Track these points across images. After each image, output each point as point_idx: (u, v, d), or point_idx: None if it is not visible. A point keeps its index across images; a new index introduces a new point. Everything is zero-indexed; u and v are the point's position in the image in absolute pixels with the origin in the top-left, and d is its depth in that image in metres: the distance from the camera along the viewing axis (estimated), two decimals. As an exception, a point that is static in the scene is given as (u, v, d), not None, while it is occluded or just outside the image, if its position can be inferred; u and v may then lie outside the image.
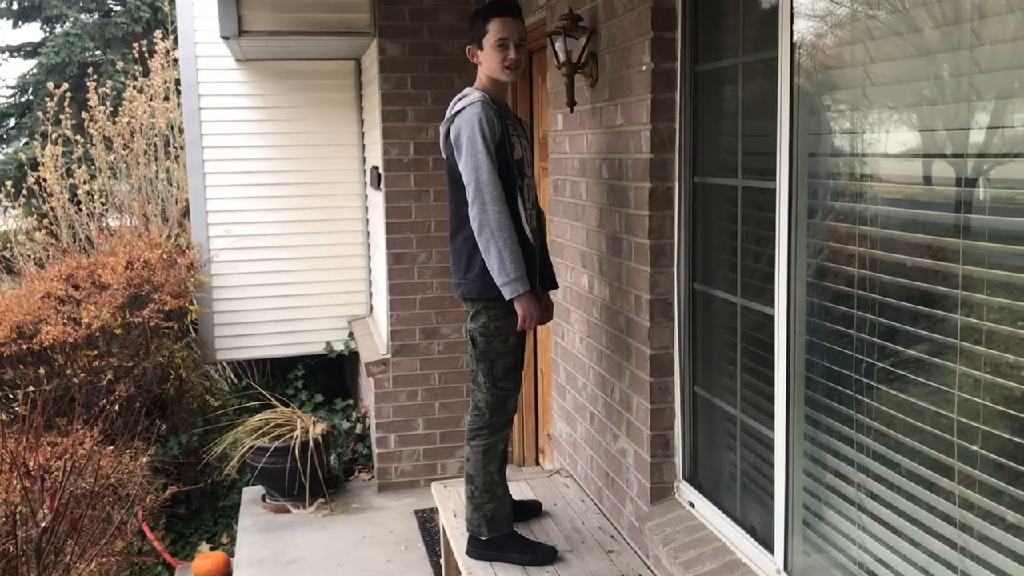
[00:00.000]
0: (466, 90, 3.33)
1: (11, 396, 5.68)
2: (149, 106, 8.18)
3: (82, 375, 5.52)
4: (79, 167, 8.12)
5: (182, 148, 7.47)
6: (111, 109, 8.33)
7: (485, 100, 3.22)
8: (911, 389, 2.11)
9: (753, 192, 2.78)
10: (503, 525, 3.41)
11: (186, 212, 7.46)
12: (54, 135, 8.44)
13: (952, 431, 1.95)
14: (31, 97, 14.87)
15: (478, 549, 3.41)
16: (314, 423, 5.52)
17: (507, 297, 3.15)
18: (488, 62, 3.28)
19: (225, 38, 5.51)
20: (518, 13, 3.32)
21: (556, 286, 3.65)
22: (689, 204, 3.15)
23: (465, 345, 5.51)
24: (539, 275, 3.40)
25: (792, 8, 2.47)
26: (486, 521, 3.39)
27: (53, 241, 8.13)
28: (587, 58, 3.62)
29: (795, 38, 2.47)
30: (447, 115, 3.30)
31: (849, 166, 2.33)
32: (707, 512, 3.09)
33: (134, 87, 8.36)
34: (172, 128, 8.17)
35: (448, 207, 3.37)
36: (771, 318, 2.63)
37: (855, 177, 2.30)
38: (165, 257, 6.20)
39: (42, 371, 5.48)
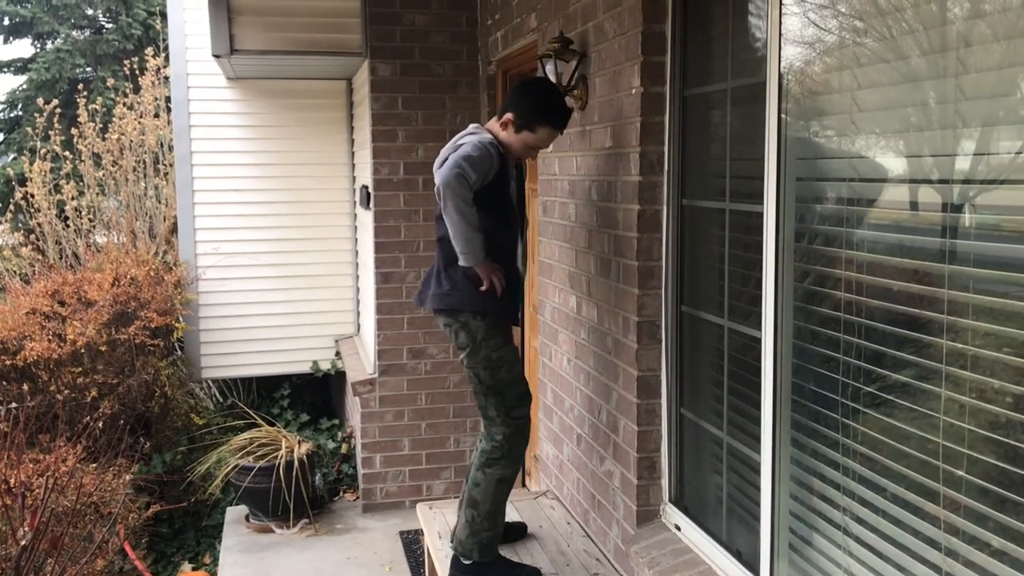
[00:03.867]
0: (475, 127, 3.33)
1: (-7, 412, 5.62)
2: (139, 123, 8.18)
3: (66, 392, 5.47)
4: (67, 183, 8.09)
5: (171, 165, 7.46)
6: (101, 126, 8.32)
7: (495, 143, 3.25)
8: (897, 413, 2.11)
9: (741, 215, 2.80)
10: (494, 552, 3.41)
11: (174, 229, 7.44)
12: (43, 151, 8.42)
13: (938, 456, 1.96)
14: (20, 113, 14.83)
15: (461, 573, 3.39)
16: (299, 443, 5.49)
17: (470, 262, 3.13)
18: (516, 143, 3.29)
19: (217, 56, 5.52)
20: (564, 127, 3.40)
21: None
22: (677, 227, 3.17)
23: (452, 365, 5.51)
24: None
25: (780, 34, 2.49)
26: (479, 547, 3.37)
27: (39, 257, 8.09)
28: (577, 81, 3.64)
29: (783, 64, 2.49)
30: (451, 143, 3.29)
31: (836, 191, 2.35)
32: (693, 535, 3.08)
33: (124, 104, 8.35)
34: (162, 145, 8.16)
35: (436, 229, 3.38)
36: (758, 341, 2.63)
37: (842, 202, 2.32)
38: (152, 274, 6.17)
39: (25, 387, 5.43)
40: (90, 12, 15.52)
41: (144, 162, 8.13)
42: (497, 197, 3.25)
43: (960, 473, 1.90)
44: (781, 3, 2.48)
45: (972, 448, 1.87)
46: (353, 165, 6.63)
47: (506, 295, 3.24)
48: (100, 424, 5.02)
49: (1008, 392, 1.79)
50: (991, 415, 1.83)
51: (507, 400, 3.28)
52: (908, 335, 2.07)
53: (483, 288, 3.21)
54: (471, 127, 3.34)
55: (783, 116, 2.50)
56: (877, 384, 2.18)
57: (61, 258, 8.11)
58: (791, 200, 2.51)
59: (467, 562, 3.38)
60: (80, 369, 5.61)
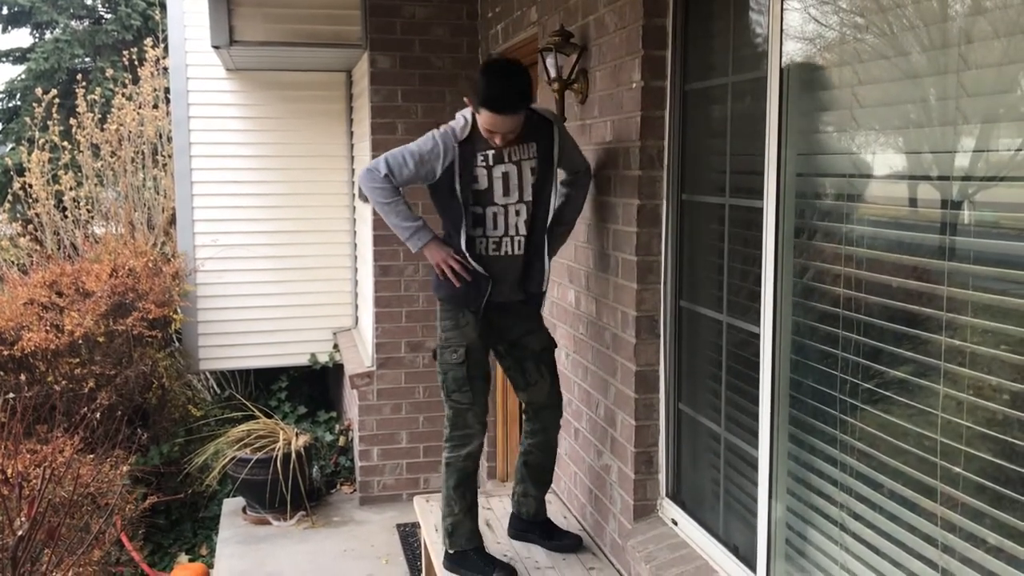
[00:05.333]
0: (462, 112, 3.33)
1: (-10, 402, 5.62)
2: (138, 114, 8.16)
3: (63, 382, 5.47)
4: (65, 173, 8.08)
5: (170, 156, 7.45)
6: (99, 116, 8.31)
7: (457, 130, 3.27)
8: (895, 410, 2.11)
9: (740, 211, 2.80)
10: (461, 541, 3.46)
11: (172, 220, 7.43)
12: (41, 141, 8.41)
13: (935, 452, 1.96)
14: (19, 103, 14.79)
15: (447, 561, 3.50)
16: (297, 435, 5.49)
17: (414, 250, 3.33)
18: (479, 125, 3.24)
19: (216, 47, 5.51)
20: (513, 111, 3.15)
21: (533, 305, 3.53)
22: (677, 222, 3.16)
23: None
24: (500, 295, 3.36)
25: (782, 30, 2.49)
26: (447, 534, 3.47)
27: (37, 247, 8.08)
28: (577, 75, 3.63)
29: (784, 59, 2.49)
30: None
31: (836, 187, 2.35)
32: (690, 530, 3.08)
33: (123, 94, 8.34)
34: (160, 136, 8.15)
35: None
36: (757, 336, 2.63)
37: (842, 198, 2.32)
38: (150, 265, 6.16)
39: (23, 377, 5.42)
40: (89, 2, 15.49)
41: (143, 153, 8.12)
42: (447, 186, 3.27)
43: (957, 470, 1.90)
44: (782, -2, 2.48)
45: (970, 445, 1.87)
46: (352, 157, 6.62)
47: (464, 282, 3.29)
48: (97, 415, 5.02)
49: (1006, 389, 1.79)
50: (989, 412, 1.84)
51: (447, 382, 3.40)
52: (907, 331, 2.07)
53: (439, 275, 3.36)
54: (459, 112, 3.35)
55: (784, 112, 2.49)
56: (875, 380, 2.18)
57: (59, 248, 8.10)
58: (791, 196, 2.50)
59: (450, 551, 3.48)
60: (78, 360, 5.60)
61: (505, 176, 3.29)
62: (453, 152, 3.24)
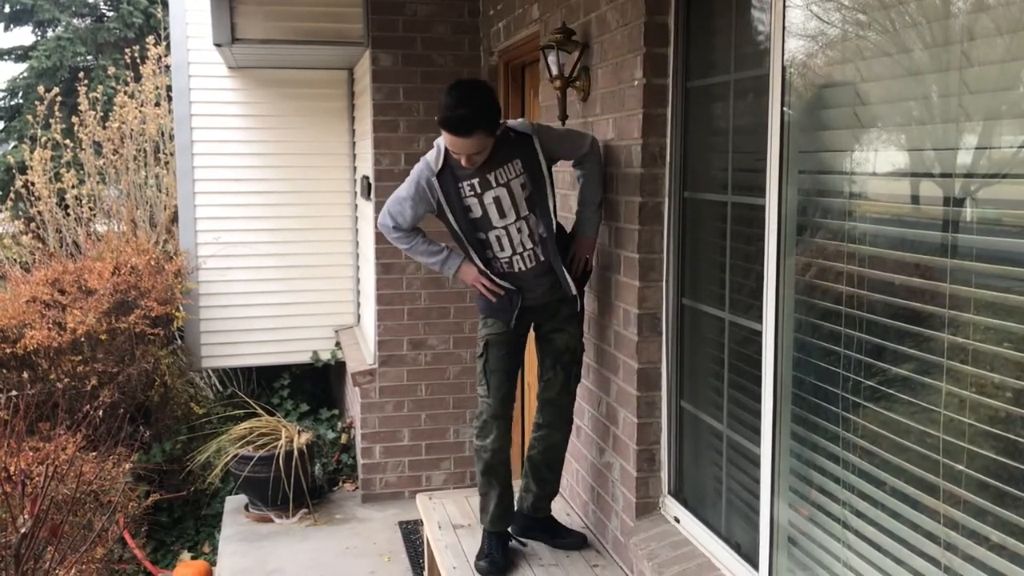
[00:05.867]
0: (437, 141, 3.36)
1: (-7, 400, 5.63)
2: (140, 112, 8.16)
3: (66, 380, 5.47)
4: (68, 171, 8.08)
5: (172, 154, 7.44)
6: (101, 114, 8.30)
7: (431, 162, 3.33)
8: (897, 407, 2.11)
9: (742, 208, 2.79)
10: (485, 521, 3.56)
11: (174, 218, 7.43)
12: (43, 139, 8.41)
13: (938, 450, 1.96)
14: (21, 101, 14.78)
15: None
16: (299, 433, 5.49)
17: (450, 277, 3.59)
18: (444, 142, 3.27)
19: (218, 45, 5.50)
20: (467, 133, 3.13)
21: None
22: (678, 219, 3.16)
23: (452, 356, 5.52)
24: (535, 300, 3.43)
25: (784, 27, 2.49)
26: (480, 512, 3.59)
27: (40, 245, 8.08)
28: (579, 72, 3.63)
29: (786, 56, 2.49)
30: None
31: (838, 184, 2.35)
32: (692, 527, 3.08)
33: (125, 92, 8.33)
34: (162, 134, 8.15)
35: None
36: (759, 334, 2.63)
37: (844, 195, 2.31)
38: (152, 263, 6.16)
39: (25, 375, 5.43)
40: (91, 0, 15.48)
41: (145, 151, 8.12)
42: (445, 219, 3.38)
43: (960, 467, 1.90)
44: (785, -5, 2.47)
45: (972, 443, 1.87)
46: (354, 156, 6.62)
47: (498, 298, 3.40)
48: (100, 413, 5.02)
49: (1008, 387, 1.79)
50: (991, 410, 1.83)
51: (476, 374, 3.55)
52: (909, 329, 2.07)
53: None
54: (436, 140, 3.36)
55: (786, 109, 2.49)
56: (878, 378, 2.18)
57: (61, 246, 8.10)
58: (793, 193, 2.50)
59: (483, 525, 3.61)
60: (80, 357, 5.61)
61: (497, 200, 3.32)
62: (435, 189, 3.32)
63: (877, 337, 2.17)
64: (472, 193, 3.31)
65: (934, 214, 2.01)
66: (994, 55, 1.83)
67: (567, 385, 3.54)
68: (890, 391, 2.14)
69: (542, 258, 3.39)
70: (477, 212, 3.33)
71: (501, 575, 3.42)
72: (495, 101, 3.26)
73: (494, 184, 3.30)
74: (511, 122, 3.40)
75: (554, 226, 3.39)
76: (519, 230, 3.36)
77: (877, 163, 2.21)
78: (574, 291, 3.41)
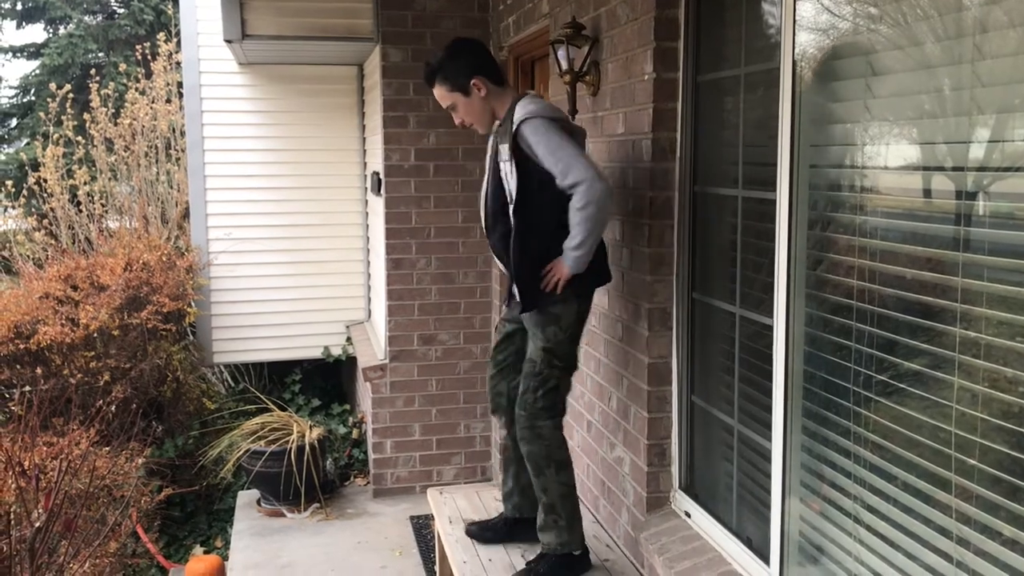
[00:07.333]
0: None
1: (7, 396, 5.66)
2: (151, 108, 8.19)
3: (79, 376, 5.51)
4: (80, 168, 8.11)
5: (183, 151, 7.47)
6: (113, 111, 8.33)
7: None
8: (909, 402, 2.11)
9: (753, 202, 2.79)
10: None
11: (186, 215, 7.46)
12: (55, 136, 8.44)
13: (950, 444, 1.95)
14: (33, 98, 14.87)
15: None
16: (310, 428, 5.51)
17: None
18: None
19: (228, 42, 5.51)
20: (428, 83, 3.27)
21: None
22: (689, 213, 3.16)
23: (463, 351, 5.53)
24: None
25: (795, 20, 2.48)
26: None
27: (52, 242, 8.12)
28: (589, 67, 3.63)
29: (797, 50, 2.48)
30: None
31: (849, 178, 2.34)
32: (703, 522, 3.08)
33: (136, 89, 8.37)
34: (173, 131, 8.17)
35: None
36: (770, 328, 2.63)
37: (855, 189, 2.31)
38: (164, 259, 6.19)
39: (39, 371, 5.47)
40: (102, -3, 15.55)
41: (156, 147, 8.14)
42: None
43: (972, 462, 1.89)
44: (796, -12, 2.47)
45: (985, 437, 1.87)
46: (364, 151, 6.62)
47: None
48: (113, 408, 5.06)
49: (1021, 381, 1.78)
50: (1004, 404, 1.83)
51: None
52: (921, 323, 2.06)
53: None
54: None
55: (797, 103, 2.48)
56: (889, 372, 2.17)
57: (74, 243, 8.15)
58: (804, 187, 2.49)
59: None
60: (93, 353, 5.64)
61: (485, 172, 3.31)
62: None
63: (888, 331, 2.16)
64: (488, 162, 3.29)
65: (946, 208, 2.01)
66: (1007, 48, 1.82)
67: (527, 392, 3.13)
68: (901, 385, 2.13)
69: (504, 254, 3.16)
70: (485, 186, 3.28)
71: None
72: (463, 56, 3.18)
73: (489, 152, 3.29)
74: (524, 103, 3.10)
75: (524, 226, 3.05)
76: (488, 212, 3.21)
77: (889, 157, 2.20)
78: (519, 299, 3.09)
